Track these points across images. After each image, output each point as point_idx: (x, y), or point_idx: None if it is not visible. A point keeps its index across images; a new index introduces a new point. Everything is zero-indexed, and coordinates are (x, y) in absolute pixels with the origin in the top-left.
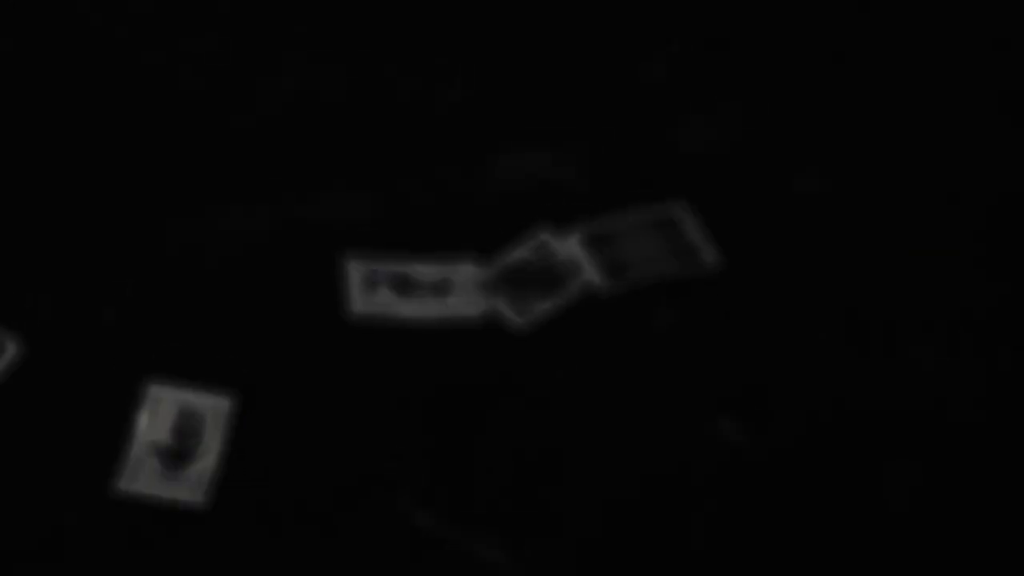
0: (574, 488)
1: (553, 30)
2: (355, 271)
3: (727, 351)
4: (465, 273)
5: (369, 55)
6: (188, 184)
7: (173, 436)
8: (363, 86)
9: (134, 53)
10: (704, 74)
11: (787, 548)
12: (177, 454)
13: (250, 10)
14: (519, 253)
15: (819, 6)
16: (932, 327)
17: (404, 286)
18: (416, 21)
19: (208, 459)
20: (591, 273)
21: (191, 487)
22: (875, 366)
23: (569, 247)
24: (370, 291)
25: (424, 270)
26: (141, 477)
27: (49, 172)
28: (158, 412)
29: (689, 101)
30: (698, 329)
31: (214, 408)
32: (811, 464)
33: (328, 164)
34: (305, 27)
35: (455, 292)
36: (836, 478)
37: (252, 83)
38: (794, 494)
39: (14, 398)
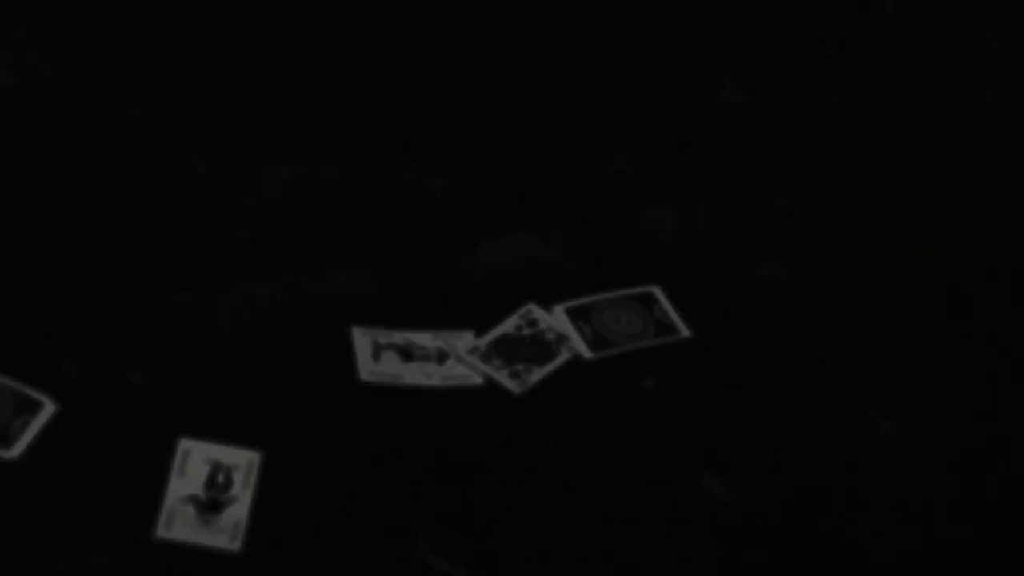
0: (569, 537)
1: (529, 126)
2: (362, 340)
3: (703, 415)
4: (463, 342)
5: (361, 149)
6: (204, 259)
7: (205, 488)
8: (357, 177)
9: (154, 139)
10: (667, 169)
11: None
12: (209, 505)
13: (252, 100)
14: (511, 325)
15: (762, 104)
16: (889, 397)
17: (407, 354)
18: (403, 120)
19: (238, 509)
20: (577, 344)
21: (224, 535)
22: (835, 431)
23: (556, 320)
24: (376, 358)
25: (425, 340)
26: (177, 525)
27: (80, 245)
28: (189, 466)
29: (655, 193)
30: (676, 395)
31: (242, 462)
32: (784, 518)
33: (329, 245)
34: (298, 123)
35: (454, 359)
36: (808, 531)
37: (256, 173)
38: (771, 546)
39: (50, 455)
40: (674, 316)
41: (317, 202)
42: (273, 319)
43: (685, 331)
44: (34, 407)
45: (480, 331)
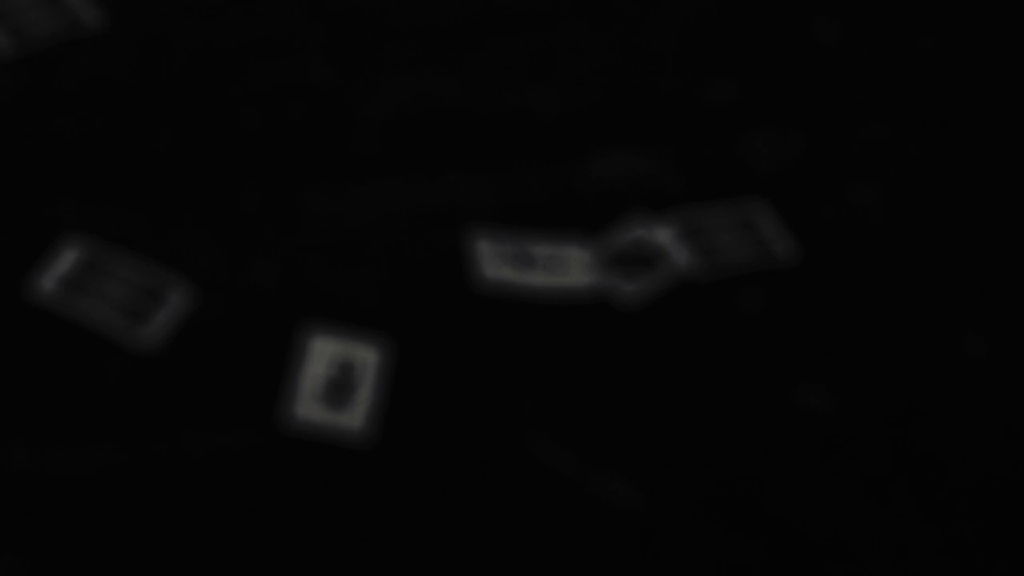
0: (675, 444)
1: (636, 57)
2: (482, 244)
3: (805, 331)
4: (575, 252)
5: (477, 70)
6: (326, 166)
7: (333, 377)
8: (473, 95)
9: (278, 50)
10: (766, 96)
11: (859, 506)
12: (339, 393)
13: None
14: (620, 237)
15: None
16: (978, 321)
17: (524, 260)
18: (513, 45)
19: (364, 399)
20: (683, 258)
21: (354, 419)
22: (924, 349)
23: (662, 234)
24: (495, 262)
25: (540, 247)
26: (310, 408)
27: (211, 151)
28: (321, 356)
29: (754, 120)
30: (779, 311)
31: (369, 355)
32: (880, 427)
33: (445, 157)
34: (417, 43)
35: (567, 267)
36: (905, 444)
37: (377, 85)
38: (868, 455)
39: (179, 342)
40: (776, 234)
41: (433, 115)
42: (399, 222)
43: (787, 251)
44: (164, 295)
45: (589, 243)
